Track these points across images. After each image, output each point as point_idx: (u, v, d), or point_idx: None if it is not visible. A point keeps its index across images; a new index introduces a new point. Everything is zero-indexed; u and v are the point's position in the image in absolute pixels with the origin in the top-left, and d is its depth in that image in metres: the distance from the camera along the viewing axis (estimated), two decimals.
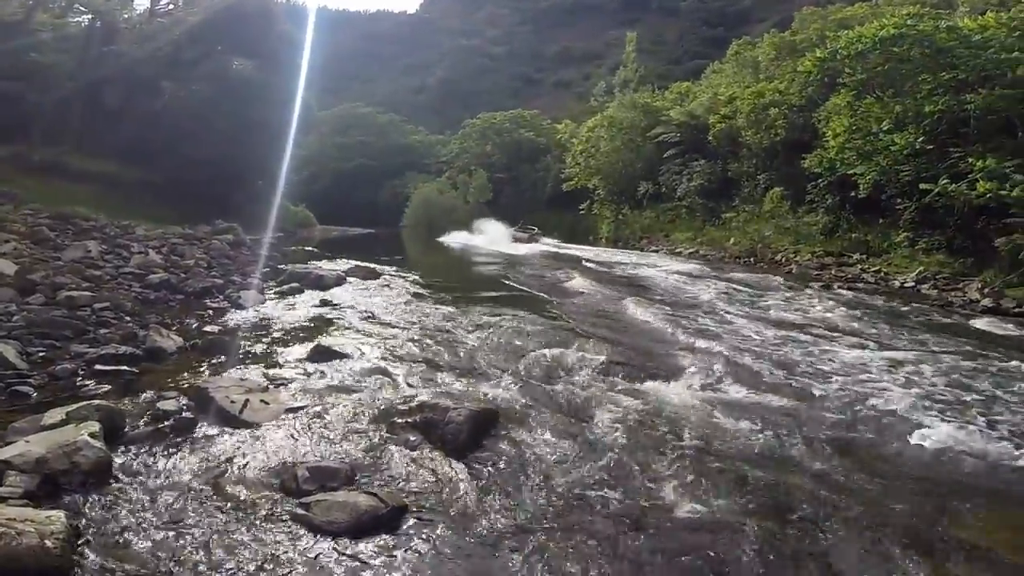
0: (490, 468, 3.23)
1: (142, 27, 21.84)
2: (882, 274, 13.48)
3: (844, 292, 11.50)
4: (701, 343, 6.36)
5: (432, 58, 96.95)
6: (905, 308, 9.74)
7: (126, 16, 22.09)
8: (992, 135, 12.27)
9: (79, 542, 2.34)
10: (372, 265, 11.71)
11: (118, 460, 3.00)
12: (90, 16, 20.80)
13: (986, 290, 10.69)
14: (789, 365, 5.62)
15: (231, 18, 20.59)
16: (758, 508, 2.94)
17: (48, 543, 2.18)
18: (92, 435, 2.95)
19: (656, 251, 23.55)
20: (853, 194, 15.54)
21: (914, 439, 3.86)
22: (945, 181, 11.84)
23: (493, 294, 9.63)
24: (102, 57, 19.76)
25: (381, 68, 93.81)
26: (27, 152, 16.07)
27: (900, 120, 13.94)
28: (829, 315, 8.61)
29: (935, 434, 3.89)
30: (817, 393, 4.75)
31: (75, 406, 3.35)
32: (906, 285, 12.28)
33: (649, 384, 4.81)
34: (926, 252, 13.34)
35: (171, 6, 24.73)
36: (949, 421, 4.15)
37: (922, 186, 12.46)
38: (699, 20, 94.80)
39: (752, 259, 18.30)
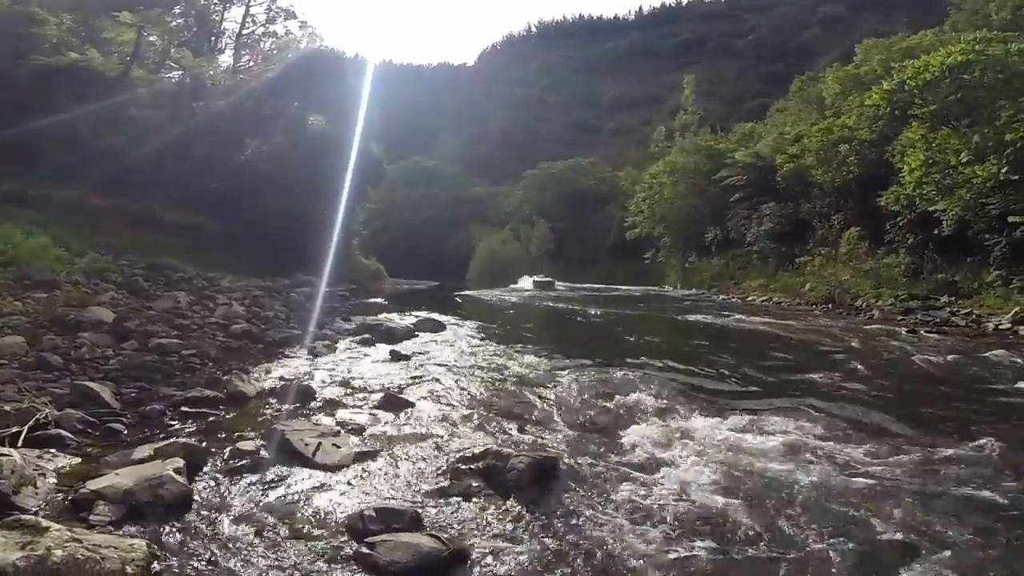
0: (550, 515, 3.21)
1: (226, 83, 23.28)
2: (973, 316, 12.53)
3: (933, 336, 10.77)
4: (782, 388, 6.07)
5: (490, 109, 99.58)
6: None
7: (211, 73, 23.45)
8: None
9: (156, 569, 2.47)
10: (439, 317, 12.08)
11: (198, 495, 3.16)
12: (180, 72, 22.28)
13: None
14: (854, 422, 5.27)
15: (304, 72, 21.97)
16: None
17: (128, 569, 2.34)
18: (176, 470, 3.14)
19: (726, 298, 22.70)
20: (936, 232, 14.72)
21: None
22: None
23: (554, 344, 9.57)
24: (192, 112, 21.28)
25: (443, 120, 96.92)
26: (126, 204, 17.21)
27: (980, 151, 13.15)
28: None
29: None
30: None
31: (162, 443, 3.58)
32: (1001, 327, 11.36)
33: (719, 430, 4.62)
34: (1022, 291, 12.34)
35: (252, 63, 26.51)
36: None
37: (1011, 219, 11.70)
38: (758, 58, 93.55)
39: (830, 305, 17.22)
